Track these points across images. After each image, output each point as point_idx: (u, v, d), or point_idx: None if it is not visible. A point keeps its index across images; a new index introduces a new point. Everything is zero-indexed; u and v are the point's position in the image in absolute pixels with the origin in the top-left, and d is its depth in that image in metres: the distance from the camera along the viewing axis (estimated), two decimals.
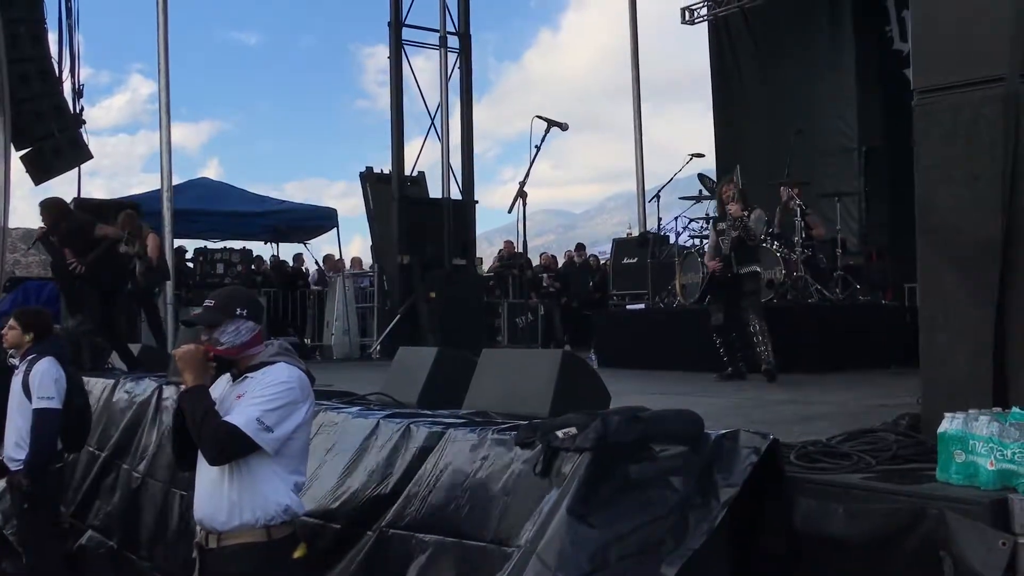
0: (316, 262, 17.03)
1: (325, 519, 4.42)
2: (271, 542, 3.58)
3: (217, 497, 3.58)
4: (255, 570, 3.58)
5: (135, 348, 9.25)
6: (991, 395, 3.36)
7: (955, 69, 3.60)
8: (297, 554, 3.70)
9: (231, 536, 3.57)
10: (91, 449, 7.11)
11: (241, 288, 4.20)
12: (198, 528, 3.72)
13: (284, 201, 17.94)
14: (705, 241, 11.21)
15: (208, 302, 3.83)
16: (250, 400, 3.55)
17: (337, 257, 17.09)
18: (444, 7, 14.53)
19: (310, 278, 16.71)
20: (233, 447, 3.51)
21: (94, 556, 6.67)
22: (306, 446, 3.79)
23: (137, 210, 11.09)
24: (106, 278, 8.80)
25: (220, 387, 3.79)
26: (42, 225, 8.92)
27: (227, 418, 3.52)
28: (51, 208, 8.92)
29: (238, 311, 3.71)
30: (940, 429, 3.10)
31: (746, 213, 8.19)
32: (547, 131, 7.04)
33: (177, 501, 5.84)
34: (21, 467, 5.78)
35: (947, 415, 3.09)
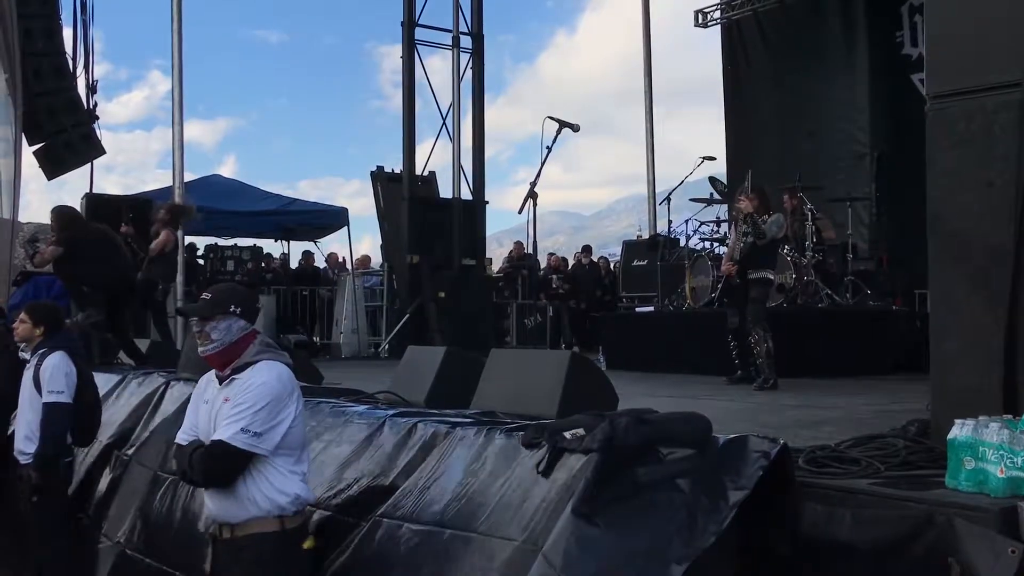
0: (324, 260, 17.07)
1: (322, 508, 4.43)
2: (284, 532, 3.63)
3: (227, 494, 3.61)
4: (267, 558, 3.62)
5: (144, 344, 9.28)
6: (1001, 402, 3.34)
7: (969, 74, 3.59)
8: (306, 545, 3.74)
9: (244, 527, 3.61)
10: (100, 441, 7.12)
11: (239, 286, 4.21)
12: (212, 521, 3.76)
13: (295, 200, 17.97)
14: (715, 244, 11.20)
15: (205, 295, 3.86)
16: (232, 410, 3.57)
17: (341, 258, 17.11)
18: (457, 7, 14.54)
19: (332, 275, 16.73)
20: (228, 463, 3.54)
21: (97, 548, 6.67)
22: (304, 436, 3.82)
23: (150, 206, 11.14)
24: (98, 275, 8.79)
25: (209, 390, 3.81)
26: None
27: (214, 435, 3.55)
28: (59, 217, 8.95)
29: (232, 308, 3.74)
30: (950, 436, 3.09)
31: (766, 216, 8.17)
32: (559, 132, 7.04)
33: (167, 487, 5.80)
34: (31, 460, 5.80)
35: (957, 421, 3.08)
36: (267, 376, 3.64)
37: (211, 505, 3.73)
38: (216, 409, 3.64)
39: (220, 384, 3.74)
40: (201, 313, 3.76)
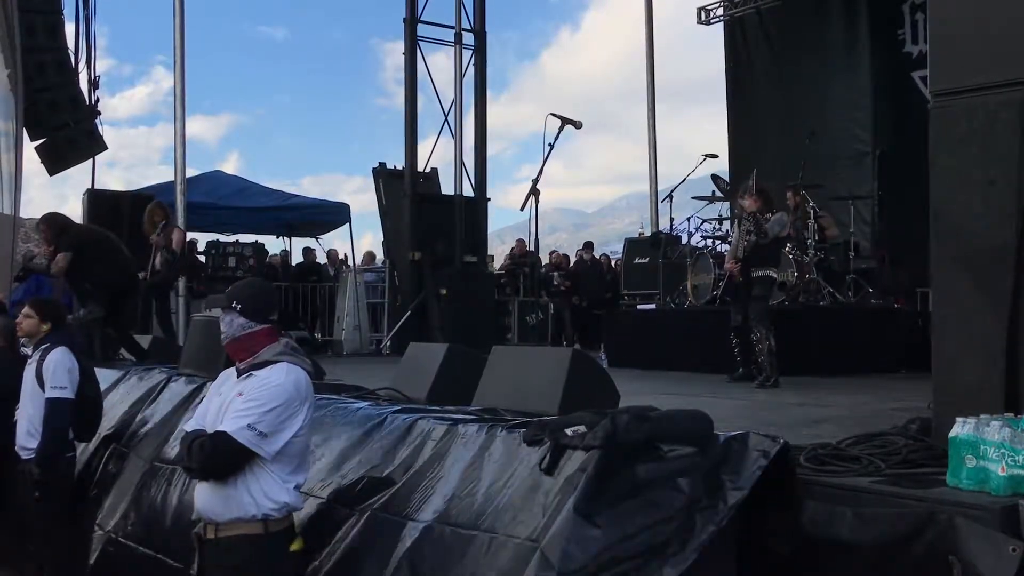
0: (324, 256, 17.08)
1: (317, 498, 4.43)
2: (268, 535, 3.62)
3: (216, 489, 3.61)
4: (252, 561, 3.62)
5: (145, 340, 9.28)
6: (1003, 400, 3.34)
7: (972, 72, 3.59)
8: (294, 547, 3.74)
9: (228, 527, 3.60)
10: (99, 434, 7.12)
11: (252, 283, 4.23)
12: (197, 517, 3.77)
13: (297, 196, 17.96)
14: (717, 242, 11.19)
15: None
16: (243, 404, 3.57)
17: (342, 255, 17.10)
18: (460, 4, 14.53)
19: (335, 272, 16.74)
20: (227, 456, 3.54)
21: (91, 538, 6.67)
22: (306, 449, 3.81)
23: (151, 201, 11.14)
24: (102, 273, 8.78)
25: (226, 384, 3.82)
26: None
27: (219, 426, 3.56)
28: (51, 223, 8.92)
29: (233, 304, 3.77)
30: (951, 434, 3.09)
31: (769, 215, 8.16)
32: (561, 129, 7.03)
33: (162, 477, 5.80)
34: (33, 456, 5.81)
35: (958, 420, 3.08)
36: (284, 379, 3.64)
37: (198, 500, 3.73)
38: (227, 402, 3.64)
39: (237, 378, 3.76)
40: (217, 305, 3.86)
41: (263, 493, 3.58)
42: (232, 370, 3.86)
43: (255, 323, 3.77)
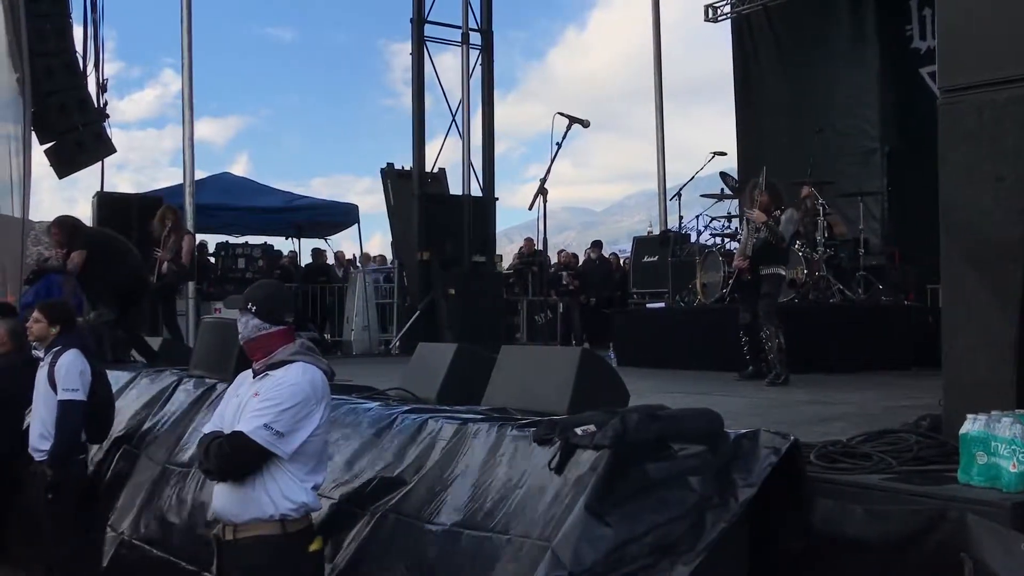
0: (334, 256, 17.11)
1: (329, 499, 4.44)
2: (286, 535, 3.61)
3: (233, 490, 3.62)
4: (270, 562, 3.61)
5: (156, 342, 9.31)
6: (1014, 397, 3.34)
7: (980, 68, 3.58)
8: (313, 547, 3.73)
9: (246, 528, 3.61)
10: (110, 435, 7.14)
11: (267, 285, 4.23)
12: (215, 518, 3.78)
13: (305, 197, 18.00)
14: (726, 239, 11.18)
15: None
16: (259, 404, 3.58)
17: (351, 255, 17.13)
18: (467, 4, 14.55)
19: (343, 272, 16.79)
20: (244, 456, 3.54)
21: (104, 539, 6.69)
22: (324, 448, 3.81)
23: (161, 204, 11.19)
24: (113, 275, 8.81)
25: (243, 386, 3.83)
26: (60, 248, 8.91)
27: (236, 427, 3.57)
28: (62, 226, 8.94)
29: (248, 305, 3.79)
30: (962, 430, 3.08)
31: (777, 212, 8.14)
32: (568, 128, 7.02)
33: (175, 480, 5.83)
34: (45, 458, 5.84)
35: (969, 416, 3.08)
36: (300, 378, 3.64)
37: (216, 501, 3.74)
38: (244, 403, 3.66)
39: (253, 379, 3.78)
40: (234, 305, 3.90)
41: (281, 493, 3.58)
42: (248, 372, 3.87)
43: (269, 324, 3.78)
